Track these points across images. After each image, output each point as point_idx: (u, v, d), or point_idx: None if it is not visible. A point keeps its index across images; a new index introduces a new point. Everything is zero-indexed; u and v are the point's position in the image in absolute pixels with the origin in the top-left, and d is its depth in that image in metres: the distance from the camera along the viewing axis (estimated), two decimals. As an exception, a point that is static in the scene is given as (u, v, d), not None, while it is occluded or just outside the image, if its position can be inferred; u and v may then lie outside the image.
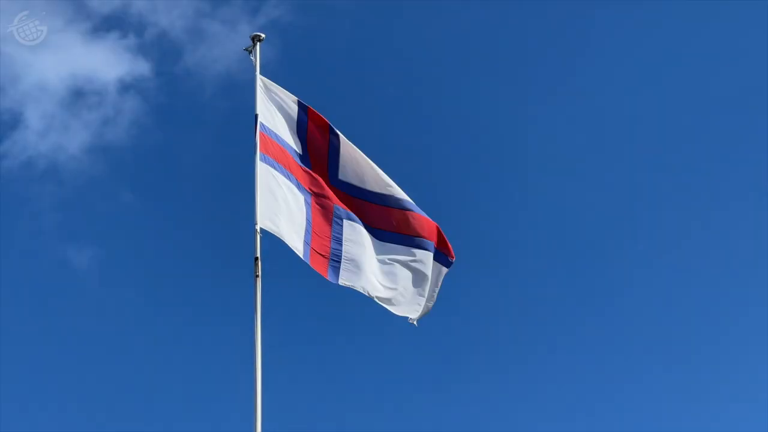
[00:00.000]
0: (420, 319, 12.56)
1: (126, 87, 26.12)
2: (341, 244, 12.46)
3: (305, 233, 12.26)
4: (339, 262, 12.33)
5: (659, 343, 25.45)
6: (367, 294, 12.35)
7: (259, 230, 11.78)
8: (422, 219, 12.88)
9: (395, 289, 12.56)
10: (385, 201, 12.87)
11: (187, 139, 26.74)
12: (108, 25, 26.32)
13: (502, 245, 26.39)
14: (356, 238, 12.63)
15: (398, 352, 23.91)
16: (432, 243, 12.80)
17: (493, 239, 26.21)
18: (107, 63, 26.23)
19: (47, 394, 23.52)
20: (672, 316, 25.73)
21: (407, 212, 12.83)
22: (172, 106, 26.86)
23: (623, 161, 27.44)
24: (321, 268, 12.19)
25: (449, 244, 12.90)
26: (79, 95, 26.24)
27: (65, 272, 24.96)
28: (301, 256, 12.05)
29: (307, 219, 12.41)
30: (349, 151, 12.91)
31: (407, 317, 12.53)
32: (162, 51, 26.58)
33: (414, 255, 12.74)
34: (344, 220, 12.65)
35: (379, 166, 12.96)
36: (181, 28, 26.42)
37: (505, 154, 27.50)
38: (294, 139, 12.91)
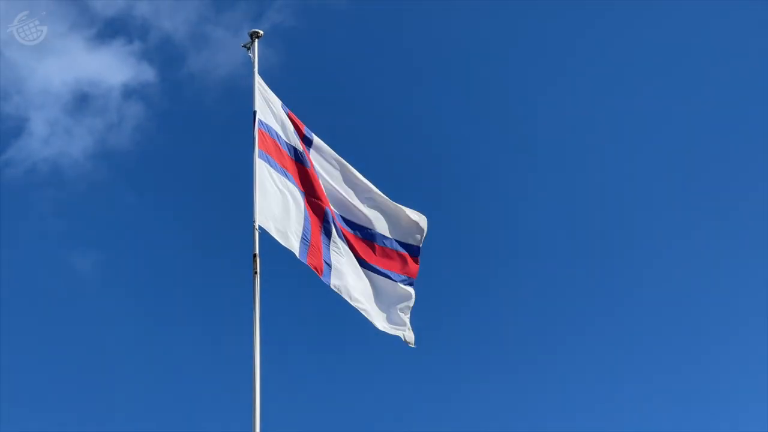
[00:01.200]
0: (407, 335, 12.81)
1: (129, 92, 26.22)
2: (330, 249, 12.54)
3: (303, 230, 12.29)
4: (330, 265, 12.42)
5: (660, 343, 25.48)
6: (351, 302, 12.49)
7: (257, 227, 11.80)
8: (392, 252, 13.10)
9: (375, 304, 12.73)
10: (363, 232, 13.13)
11: (189, 144, 26.83)
12: (111, 29, 26.39)
13: (507, 245, 26.46)
14: (341, 245, 12.71)
15: (398, 351, 23.86)
16: (401, 275, 13.06)
17: (498, 238, 26.31)
18: (111, 68, 26.31)
19: (50, 395, 23.61)
20: (675, 317, 25.77)
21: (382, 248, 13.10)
22: (175, 111, 26.97)
23: (629, 160, 27.50)
24: (317, 266, 12.24)
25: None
26: (82, 100, 26.33)
27: (69, 277, 25.07)
28: (297, 253, 12.09)
29: (305, 216, 12.44)
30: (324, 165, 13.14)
31: (399, 336, 12.73)
32: (165, 56, 26.70)
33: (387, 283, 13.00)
34: (332, 225, 12.72)
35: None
36: (185, 33, 26.51)
37: (513, 154, 27.61)
38: (290, 137, 12.94)
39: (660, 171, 27.24)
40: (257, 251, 11.65)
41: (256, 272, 11.51)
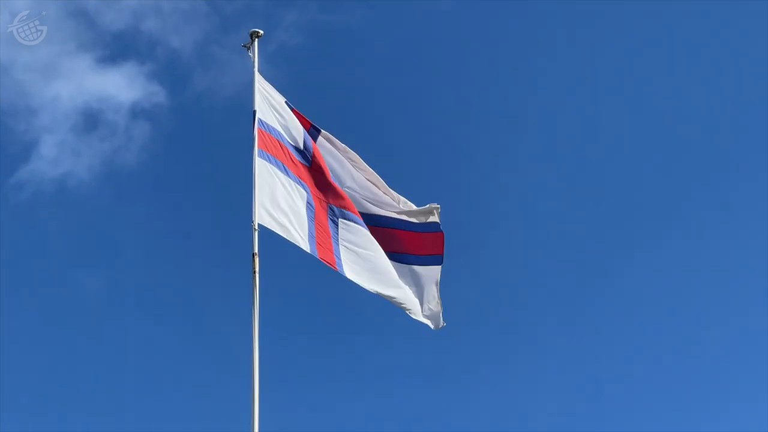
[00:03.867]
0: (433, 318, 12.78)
1: (136, 112, 26.28)
2: (338, 244, 12.51)
3: (308, 227, 12.28)
4: (340, 258, 12.38)
5: (660, 343, 25.52)
6: (372, 291, 12.44)
7: (256, 227, 11.78)
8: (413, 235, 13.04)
9: (400, 288, 12.66)
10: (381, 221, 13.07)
11: (194, 164, 26.92)
12: (119, 48, 26.46)
13: (502, 242, 26.49)
14: (353, 237, 12.67)
15: (398, 349, 23.94)
16: (422, 256, 13.00)
17: (494, 236, 26.35)
18: (118, 88, 26.37)
19: (52, 395, 23.75)
20: (674, 317, 25.80)
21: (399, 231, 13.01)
22: (181, 131, 27.05)
23: (624, 160, 27.54)
24: (329, 259, 12.22)
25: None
26: (90, 121, 26.40)
27: (75, 295, 25.18)
28: (307, 249, 12.08)
29: (309, 213, 12.43)
30: (339, 155, 13.08)
31: (428, 323, 12.75)
32: (171, 76, 26.76)
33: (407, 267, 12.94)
34: (339, 219, 12.69)
35: (393, 183, 13.18)
36: (191, 52, 26.58)
37: (512, 156, 27.67)
38: (293, 135, 12.93)
39: (659, 171, 27.32)
40: (256, 250, 11.65)
41: (255, 271, 11.51)
